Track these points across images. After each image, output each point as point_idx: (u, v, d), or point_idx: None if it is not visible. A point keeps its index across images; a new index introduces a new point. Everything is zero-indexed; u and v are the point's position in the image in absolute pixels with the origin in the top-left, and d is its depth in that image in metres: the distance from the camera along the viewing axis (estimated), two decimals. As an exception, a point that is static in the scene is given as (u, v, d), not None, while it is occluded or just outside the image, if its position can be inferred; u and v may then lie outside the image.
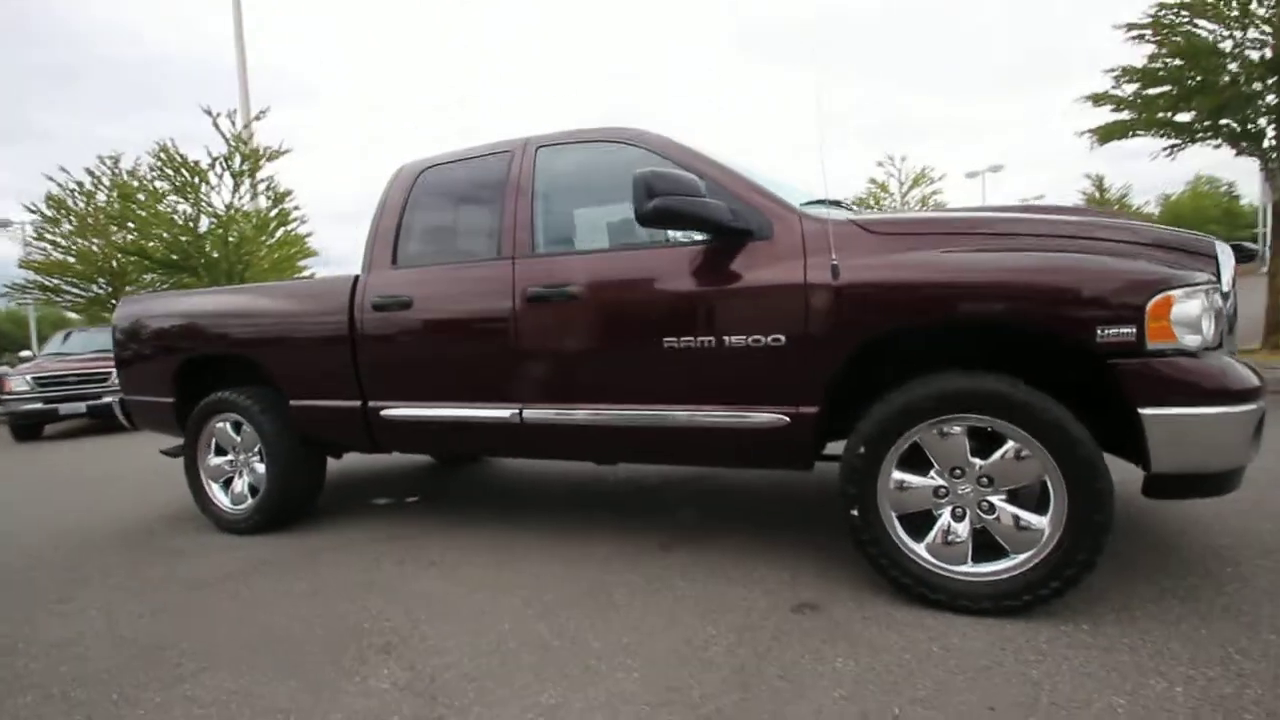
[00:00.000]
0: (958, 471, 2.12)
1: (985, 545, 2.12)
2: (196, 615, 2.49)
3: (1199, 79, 6.84)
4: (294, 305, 3.34)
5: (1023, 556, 2.05)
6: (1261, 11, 6.44)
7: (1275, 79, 6.60)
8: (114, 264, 11.61)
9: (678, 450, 2.59)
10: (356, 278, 3.14)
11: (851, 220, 2.26)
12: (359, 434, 3.18)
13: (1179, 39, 6.94)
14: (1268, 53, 6.71)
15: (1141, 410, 1.90)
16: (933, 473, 2.15)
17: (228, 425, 3.54)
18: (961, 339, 2.22)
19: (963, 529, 2.13)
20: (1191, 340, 1.91)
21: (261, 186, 10.52)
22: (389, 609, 2.43)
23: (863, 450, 2.16)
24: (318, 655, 2.12)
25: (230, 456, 3.58)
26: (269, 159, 10.33)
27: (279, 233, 11.08)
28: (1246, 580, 2.23)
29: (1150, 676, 1.73)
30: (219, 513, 3.56)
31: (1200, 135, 7.39)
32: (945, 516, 2.15)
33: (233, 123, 9.99)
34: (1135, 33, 7.42)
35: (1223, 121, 7.15)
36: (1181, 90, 7.12)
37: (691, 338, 2.37)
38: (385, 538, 3.26)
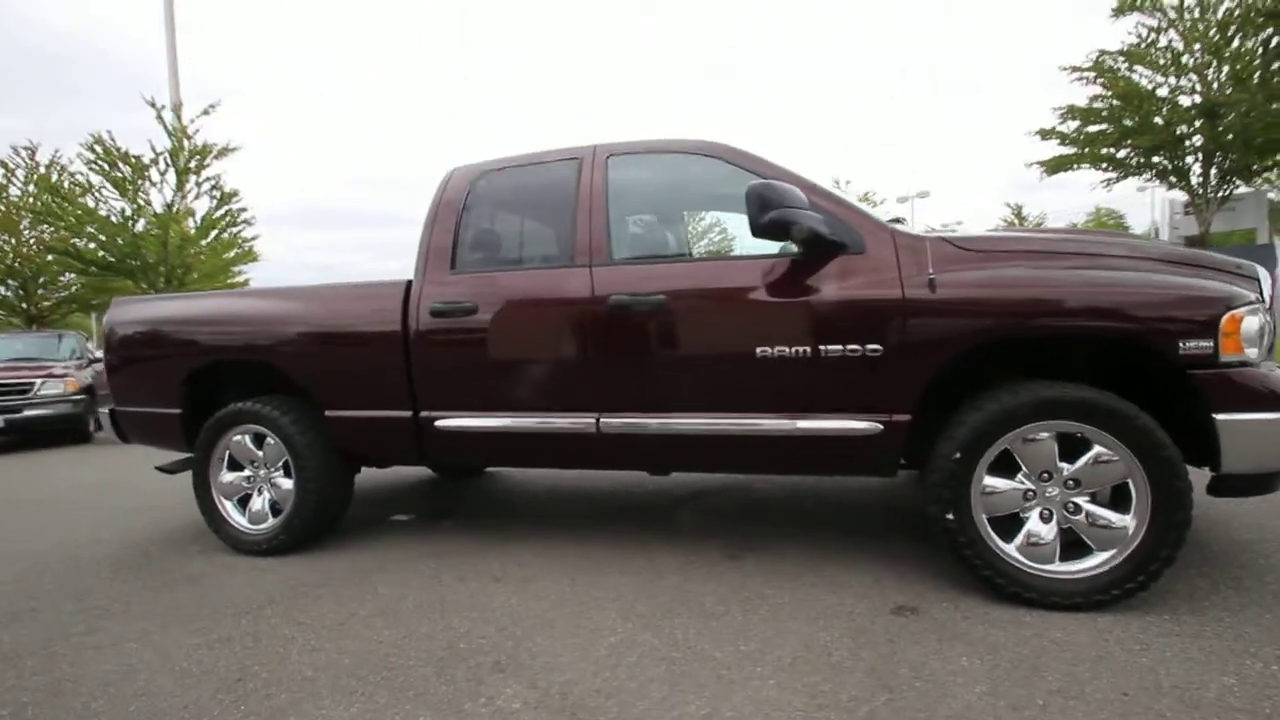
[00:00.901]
0: (1045, 475, 2.26)
1: (1069, 544, 2.27)
2: (262, 643, 2.31)
3: (1135, 120, 7.63)
4: (335, 310, 3.16)
5: (1108, 554, 2.20)
6: (1189, 61, 7.28)
7: (1201, 122, 7.46)
8: (20, 263, 10.56)
9: (766, 459, 2.63)
10: (409, 282, 3.02)
11: (943, 238, 2.39)
12: (406, 445, 3.05)
13: (1121, 83, 7.72)
14: (1197, 98, 7.57)
15: (1217, 416, 2.09)
16: (1020, 476, 2.28)
17: (247, 438, 3.30)
18: (1032, 352, 2.38)
19: (1049, 530, 2.26)
20: (1252, 353, 2.13)
21: (206, 185, 9.86)
22: (478, 627, 2.33)
23: (958, 456, 2.27)
24: (428, 677, 2.02)
25: (248, 472, 3.34)
26: (218, 156, 9.71)
27: (225, 235, 10.40)
28: (1278, 569, 2.48)
29: (1244, 658, 1.90)
30: (236, 533, 3.31)
31: (1134, 171, 8.23)
32: (1034, 518, 2.28)
33: (177, 116, 9.34)
34: (1078, 75, 8.17)
35: (1155, 159, 8.00)
36: (1118, 129, 7.92)
37: (786, 347, 2.43)
38: (426, 554, 3.12)
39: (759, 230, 2.27)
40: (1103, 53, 8.17)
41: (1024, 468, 2.27)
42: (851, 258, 2.41)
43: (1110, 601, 2.20)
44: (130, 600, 2.78)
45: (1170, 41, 8.26)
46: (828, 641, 2.11)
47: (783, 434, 2.48)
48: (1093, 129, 7.97)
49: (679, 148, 2.80)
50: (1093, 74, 8.44)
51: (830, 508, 3.61)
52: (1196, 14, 8.20)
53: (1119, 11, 9.44)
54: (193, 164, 9.53)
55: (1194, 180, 7.95)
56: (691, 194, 3.00)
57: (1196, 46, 7.64)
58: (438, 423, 2.94)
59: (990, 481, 2.28)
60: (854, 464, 2.52)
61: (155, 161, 9.41)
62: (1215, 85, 7.50)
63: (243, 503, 3.37)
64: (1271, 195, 11.37)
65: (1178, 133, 7.46)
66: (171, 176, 9.52)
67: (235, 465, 3.37)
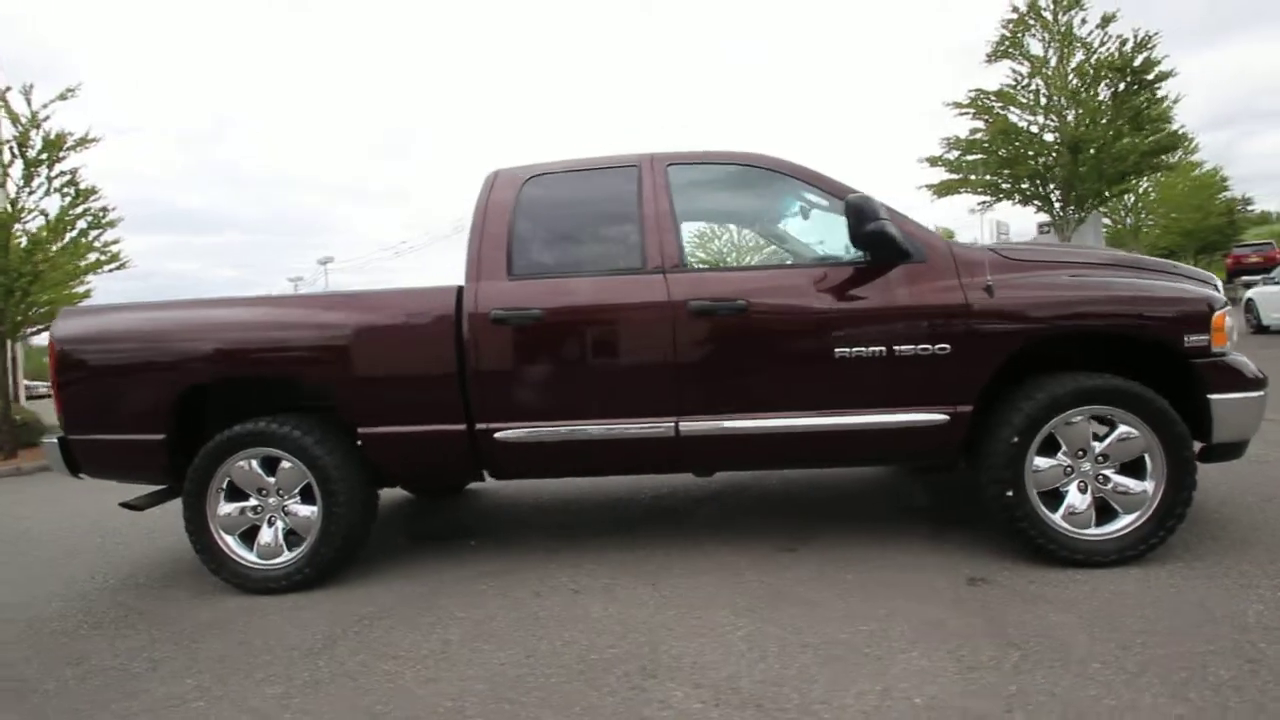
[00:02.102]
0: (1080, 452, 2.63)
1: (1099, 510, 2.66)
2: (363, 680, 2.10)
3: (1008, 152, 8.96)
4: (373, 319, 2.91)
5: (1133, 516, 2.60)
6: (1051, 104, 8.69)
7: (1064, 155, 8.89)
8: None
9: (843, 453, 2.80)
10: (459, 288, 2.87)
11: (991, 249, 2.72)
12: (461, 460, 2.89)
13: (999, 120, 9.02)
14: (1060, 135, 9.01)
15: (1211, 396, 2.57)
16: (1060, 454, 2.64)
17: (253, 463, 2.94)
18: (1061, 347, 2.77)
19: (1085, 500, 2.64)
20: (1230, 345, 2.64)
21: (60, 181, 8.46)
22: (599, 639, 2.29)
23: (1016, 440, 2.58)
24: (583, 690, 1.96)
25: (254, 501, 2.98)
26: (76, 148, 8.37)
27: (85, 237, 8.95)
28: (1257, 518, 3.01)
29: (1256, 589, 2.33)
30: (244, 570, 2.93)
31: (1005, 195, 9.61)
32: (1073, 490, 2.65)
33: (28, 100, 7.95)
34: (959, 110, 9.41)
35: (1023, 185, 9.41)
36: (992, 159, 9.24)
37: (863, 348, 2.63)
38: (477, 575, 2.97)
39: (861, 239, 2.46)
40: (980, 91, 9.72)
41: (1064, 447, 2.63)
42: (916, 266, 2.66)
43: (1138, 556, 2.59)
44: (156, 655, 2.39)
45: (1037, 86, 9.97)
46: (934, 614, 2.31)
47: (860, 429, 2.67)
48: (970, 158, 9.35)
49: (736, 159, 2.93)
50: (972, 110, 9.98)
51: (844, 497, 3.87)
52: (1054, 65, 9.95)
53: (992, 58, 11.18)
54: (44, 156, 8.16)
55: (1055, 204, 9.59)
56: (748, 203, 3.13)
57: (1053, 91, 9.32)
58: (498, 434, 2.81)
59: (1038, 461, 2.62)
60: (922, 453, 2.77)
61: (-2, 151, 7.94)
62: (1074, 125, 9.16)
63: (245, 536, 3.00)
64: (1105, 221, 14.10)
65: (1044, 164, 9.00)
66: (17, 170, 8.07)
67: (236, 495, 3.00)
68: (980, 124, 9.62)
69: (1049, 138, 9.29)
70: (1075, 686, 1.84)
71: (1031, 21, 10.80)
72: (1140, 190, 18.10)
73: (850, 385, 2.65)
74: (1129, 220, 26.01)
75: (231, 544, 2.97)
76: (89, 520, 4.78)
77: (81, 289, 11.26)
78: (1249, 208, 38.61)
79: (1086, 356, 2.82)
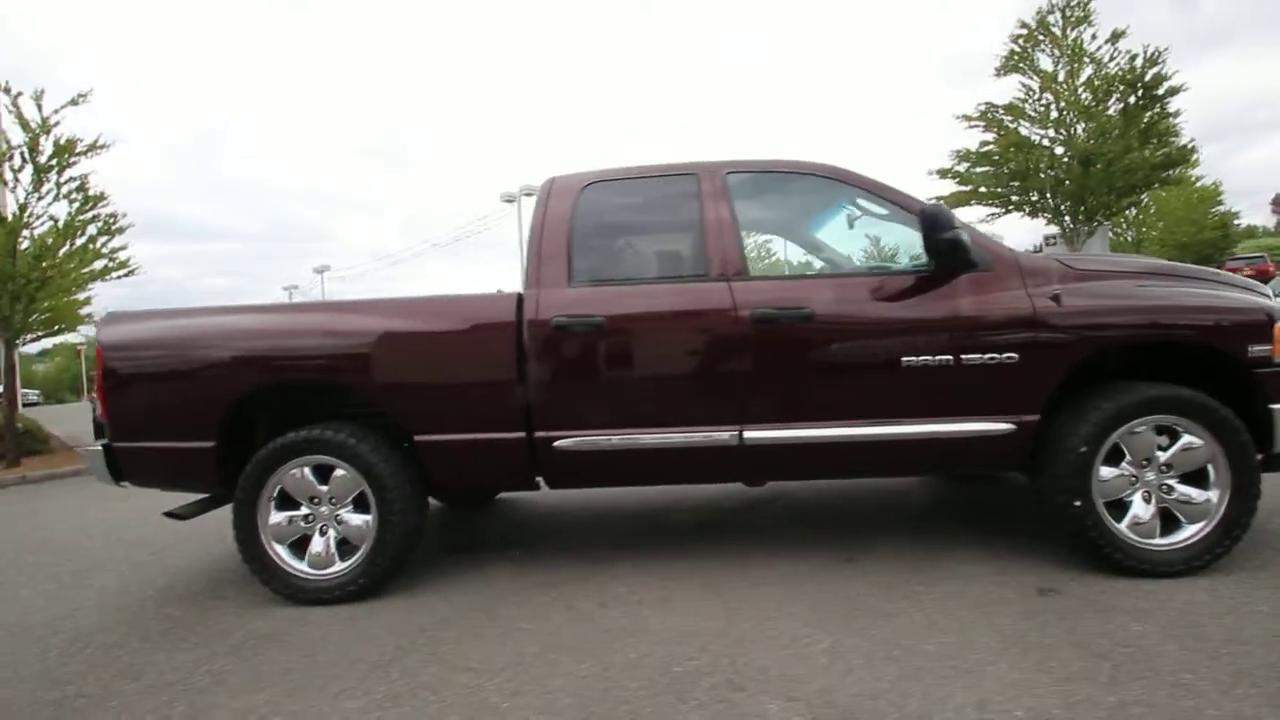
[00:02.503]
0: (1144, 462, 2.63)
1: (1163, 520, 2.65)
2: (446, 693, 2.06)
3: (1019, 164, 9.08)
4: (435, 326, 2.89)
5: (1198, 526, 2.61)
6: (1061, 118, 8.84)
7: (1076, 169, 9.02)
8: None
9: (907, 462, 2.80)
10: (519, 295, 2.85)
11: (1056, 258, 2.72)
12: (518, 468, 2.85)
13: (1010, 134, 9.14)
14: (1071, 149, 9.15)
15: (1273, 406, 2.58)
16: (1124, 464, 2.64)
17: (306, 471, 2.90)
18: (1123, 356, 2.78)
19: (1150, 509, 2.64)
20: (1288, 355, 2.65)
21: (70, 187, 8.36)
22: (676, 650, 2.25)
23: (1084, 449, 2.58)
24: (673, 704, 1.93)
25: (305, 510, 2.93)
26: (86, 154, 8.29)
27: (94, 244, 8.84)
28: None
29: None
30: (296, 581, 2.88)
31: (1015, 207, 9.73)
32: (1137, 500, 2.65)
33: (39, 106, 7.86)
34: (970, 124, 9.53)
35: (1033, 198, 9.52)
36: (1003, 173, 9.35)
37: (930, 357, 2.63)
38: (535, 585, 2.93)
39: (938, 247, 2.47)
40: (990, 105, 9.93)
41: (1128, 456, 2.63)
42: (982, 275, 2.67)
43: (1203, 566, 2.60)
44: (219, 669, 2.33)
45: (1047, 100, 10.17)
46: (1011, 625, 2.30)
47: (926, 438, 2.66)
48: (980, 170, 9.48)
49: (795, 168, 2.93)
50: (981, 124, 10.17)
51: (886, 507, 3.86)
52: (1064, 79, 10.17)
53: (1001, 71, 11.40)
54: (54, 161, 8.07)
55: (1064, 216, 9.72)
56: (806, 211, 3.13)
57: (1063, 105, 9.53)
58: (557, 443, 2.78)
59: (1104, 471, 2.62)
60: (988, 462, 2.76)
61: (8, 156, 7.82)
62: (1085, 139, 9.35)
63: (295, 546, 2.95)
64: (1110, 234, 14.38)
65: (1055, 176, 9.15)
66: (27, 175, 7.97)
67: (288, 503, 2.95)
68: (990, 136, 9.83)
69: (1059, 150, 9.47)
70: (1173, 697, 1.83)
71: (1041, 37, 11.07)
72: (1142, 203, 18.55)
73: (916, 394, 2.65)
74: (1130, 234, 26.49)
75: (283, 554, 2.92)
76: (107, 528, 4.71)
77: (82, 295, 11.13)
78: (1236, 221, 39.33)
79: (1130, 366, 2.83)
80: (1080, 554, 2.72)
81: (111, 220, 8.80)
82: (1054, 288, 2.63)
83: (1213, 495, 2.60)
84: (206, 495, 3.23)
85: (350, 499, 2.91)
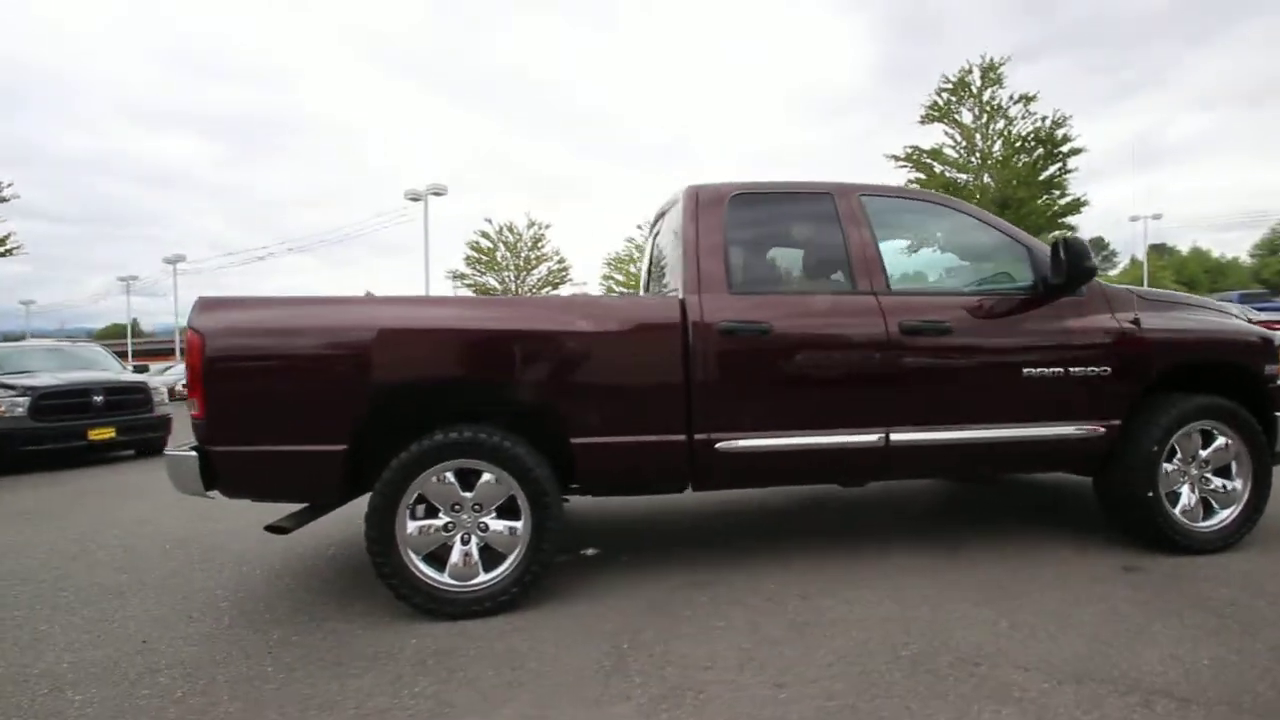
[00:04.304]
0: (1190, 458, 3.21)
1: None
2: (709, 694, 2.06)
3: None
4: (601, 327, 2.82)
5: (1229, 510, 3.21)
6: (978, 164, 10.17)
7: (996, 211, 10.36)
8: None
9: (1020, 461, 3.16)
10: (681, 300, 2.88)
11: (1129, 289, 3.24)
12: (676, 470, 2.87)
13: (937, 176, 10.34)
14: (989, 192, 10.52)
15: (1278, 413, 3.26)
16: (1176, 460, 3.20)
17: (448, 476, 2.72)
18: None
19: (1194, 498, 3.21)
20: (1278, 373, 3.37)
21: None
22: (890, 636, 2.41)
23: (1155, 449, 3.10)
24: (936, 681, 2.09)
25: (445, 519, 2.74)
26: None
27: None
28: None
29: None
30: (440, 594, 2.69)
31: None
32: (1186, 491, 3.21)
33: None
34: (898, 164, 10.67)
35: None
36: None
37: (1045, 367, 3.02)
38: (683, 587, 2.96)
39: (1083, 275, 2.86)
40: (916, 149, 11.34)
41: (1179, 454, 3.19)
42: (1078, 299, 3.12)
43: (1235, 542, 3.20)
44: (428, 691, 2.14)
45: (963, 149, 11.78)
46: (1134, 596, 2.70)
47: (1039, 439, 3.05)
48: None
49: (921, 196, 3.26)
50: (909, 164, 11.58)
51: (931, 511, 4.27)
52: (978, 135, 11.81)
53: (925, 120, 12.97)
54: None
55: None
56: (927, 234, 3.44)
57: (979, 154, 11.09)
58: (719, 445, 2.85)
59: (1165, 466, 3.15)
60: (1079, 461, 3.19)
61: None
62: (998, 186, 10.91)
63: (430, 557, 2.75)
64: None
65: None
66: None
67: (427, 511, 2.74)
68: (916, 177, 11.30)
69: (978, 197, 10.99)
70: (1297, 641, 2.29)
71: (962, 94, 12.90)
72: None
73: (1033, 400, 3.03)
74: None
75: (420, 565, 2.71)
76: (172, 542, 3.98)
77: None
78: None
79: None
80: (1141, 538, 3.23)
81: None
82: (1134, 314, 3.14)
83: (1238, 484, 3.22)
84: (306, 506, 2.91)
85: (495, 506, 2.77)
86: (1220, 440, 3.21)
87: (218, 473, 2.64)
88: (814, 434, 2.92)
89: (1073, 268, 2.91)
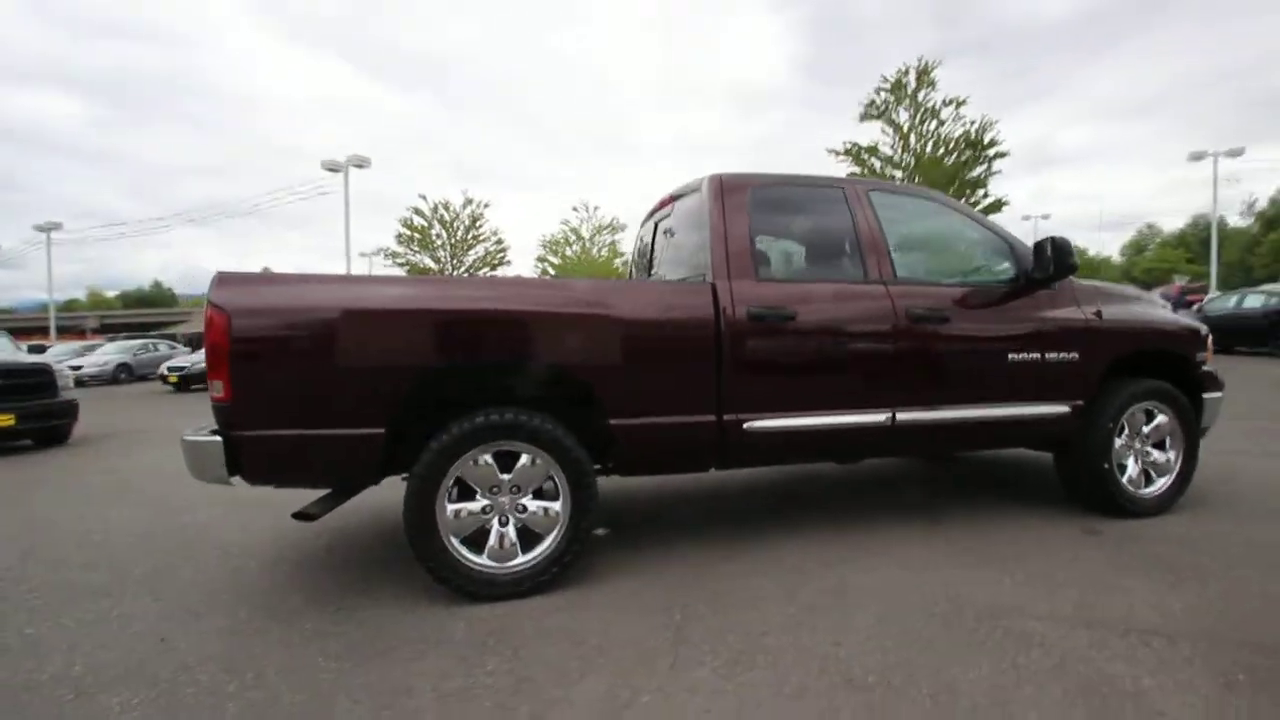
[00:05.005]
0: (1135, 434, 3.65)
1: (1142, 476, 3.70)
2: (785, 660, 2.20)
3: None
4: (636, 310, 2.85)
5: (1165, 479, 3.67)
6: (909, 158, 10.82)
7: None
8: None
9: (1004, 437, 3.48)
10: (713, 285, 2.97)
11: (1088, 283, 3.63)
12: (705, 450, 2.98)
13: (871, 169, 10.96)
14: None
15: (1204, 395, 3.77)
16: (1124, 435, 3.63)
17: (487, 458, 2.71)
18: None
19: (1138, 469, 3.66)
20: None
21: None
22: (928, 596, 2.63)
23: (1111, 426, 3.51)
24: (983, 632, 2.32)
25: (483, 501, 2.73)
26: None
27: None
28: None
29: (1256, 530, 3.52)
30: (481, 577, 2.68)
31: None
32: (1130, 462, 3.65)
33: None
34: (839, 158, 11.20)
35: None
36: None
37: (1026, 353, 3.35)
38: (717, 561, 3.08)
39: (1066, 270, 3.17)
40: (854, 144, 11.99)
41: (1127, 430, 3.63)
42: (1052, 291, 3.47)
43: (1169, 507, 3.67)
44: (501, 668, 2.15)
45: (898, 146, 12.52)
46: (1107, 555, 3.07)
47: (1019, 418, 3.38)
48: None
49: (917, 193, 3.49)
50: (848, 158, 12.19)
51: (895, 487, 4.61)
52: (913, 135, 12.59)
53: (864, 118, 13.65)
54: None
55: None
56: (924, 229, 3.67)
57: (911, 152, 11.83)
58: (746, 424, 2.98)
59: (1116, 441, 3.58)
60: (1047, 439, 3.56)
61: None
62: (929, 182, 11.67)
63: (468, 540, 2.73)
64: None
65: None
66: None
67: (464, 494, 2.71)
68: (853, 170, 11.95)
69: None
70: (1230, 579, 2.71)
71: (899, 94, 13.71)
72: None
73: (1018, 382, 3.36)
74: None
75: (461, 549, 2.68)
76: (136, 536, 3.61)
77: None
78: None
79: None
80: (1092, 505, 3.65)
81: None
82: (1096, 305, 3.53)
83: (1171, 456, 3.71)
84: (331, 491, 2.80)
85: (532, 487, 2.78)
86: (1160, 418, 3.68)
87: (243, 458, 2.50)
88: (831, 414, 3.11)
89: (1058, 264, 3.25)
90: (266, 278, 2.61)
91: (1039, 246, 3.30)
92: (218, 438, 2.48)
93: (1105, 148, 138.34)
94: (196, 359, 17.76)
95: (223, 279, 2.53)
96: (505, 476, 2.74)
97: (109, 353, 22.47)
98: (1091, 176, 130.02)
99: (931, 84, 15.99)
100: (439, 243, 29.17)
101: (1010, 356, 3.34)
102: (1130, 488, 3.61)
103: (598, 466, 3.07)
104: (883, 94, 16.25)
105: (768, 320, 3.00)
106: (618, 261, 31.16)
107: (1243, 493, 4.02)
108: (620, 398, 2.84)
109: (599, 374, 2.81)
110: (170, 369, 16.88)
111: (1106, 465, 3.52)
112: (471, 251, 29.63)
